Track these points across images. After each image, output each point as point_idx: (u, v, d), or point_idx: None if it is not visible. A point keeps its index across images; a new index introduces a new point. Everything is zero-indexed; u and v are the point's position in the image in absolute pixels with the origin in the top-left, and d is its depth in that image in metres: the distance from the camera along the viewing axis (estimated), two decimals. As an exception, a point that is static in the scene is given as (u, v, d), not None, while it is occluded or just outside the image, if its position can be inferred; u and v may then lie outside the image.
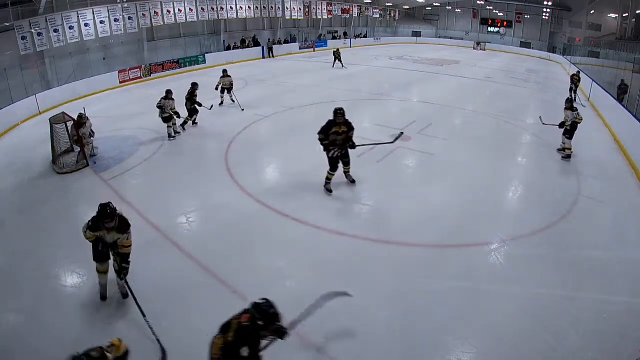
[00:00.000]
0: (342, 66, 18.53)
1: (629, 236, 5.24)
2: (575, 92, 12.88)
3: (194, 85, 9.24)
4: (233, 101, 11.34)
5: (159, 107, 8.38)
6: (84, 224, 3.73)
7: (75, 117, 7.34)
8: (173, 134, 8.62)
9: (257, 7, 20.85)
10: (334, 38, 28.81)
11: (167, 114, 8.40)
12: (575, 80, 13.00)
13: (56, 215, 5.64)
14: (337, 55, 18.79)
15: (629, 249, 4.96)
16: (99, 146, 7.76)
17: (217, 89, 11.15)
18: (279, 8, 22.34)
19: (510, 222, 5.53)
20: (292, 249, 4.86)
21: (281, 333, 2.66)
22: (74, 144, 7.44)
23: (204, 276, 4.32)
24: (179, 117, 8.78)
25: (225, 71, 11.26)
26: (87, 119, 7.55)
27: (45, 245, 4.90)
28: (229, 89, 11.19)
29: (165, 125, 8.52)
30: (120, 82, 14.69)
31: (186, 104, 9.13)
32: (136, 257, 4.62)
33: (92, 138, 7.52)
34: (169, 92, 8.53)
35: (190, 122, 9.33)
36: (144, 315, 3.60)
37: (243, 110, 10.75)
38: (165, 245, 4.88)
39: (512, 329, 3.65)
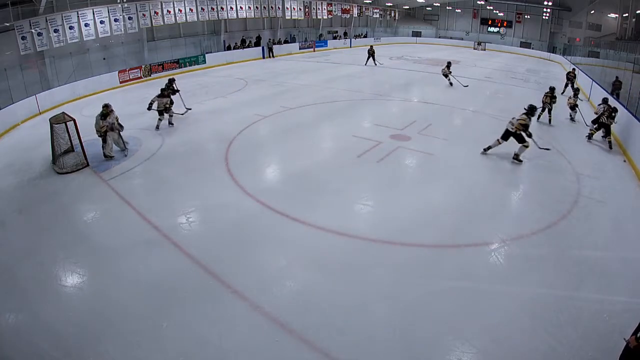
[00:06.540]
0: (372, 64, 19.46)
1: (628, 236, 5.24)
2: (573, 89, 12.94)
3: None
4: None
5: None
6: None
7: (76, 116, 7.32)
8: None
9: (257, 7, 20.86)
10: (334, 38, 28.82)
11: None
12: (571, 77, 13.82)
13: (56, 215, 5.64)
14: (371, 53, 19.70)
15: (629, 249, 4.96)
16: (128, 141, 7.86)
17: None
18: (279, 8, 22.35)
19: (510, 222, 5.53)
20: (292, 249, 4.86)
21: None
22: (103, 133, 7.37)
23: (204, 276, 4.31)
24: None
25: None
26: (112, 110, 7.49)
27: (45, 245, 4.90)
28: None
29: None
30: (120, 82, 14.69)
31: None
32: (136, 257, 4.67)
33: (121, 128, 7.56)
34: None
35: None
36: None
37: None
38: (165, 245, 4.87)
39: (512, 329, 3.65)
